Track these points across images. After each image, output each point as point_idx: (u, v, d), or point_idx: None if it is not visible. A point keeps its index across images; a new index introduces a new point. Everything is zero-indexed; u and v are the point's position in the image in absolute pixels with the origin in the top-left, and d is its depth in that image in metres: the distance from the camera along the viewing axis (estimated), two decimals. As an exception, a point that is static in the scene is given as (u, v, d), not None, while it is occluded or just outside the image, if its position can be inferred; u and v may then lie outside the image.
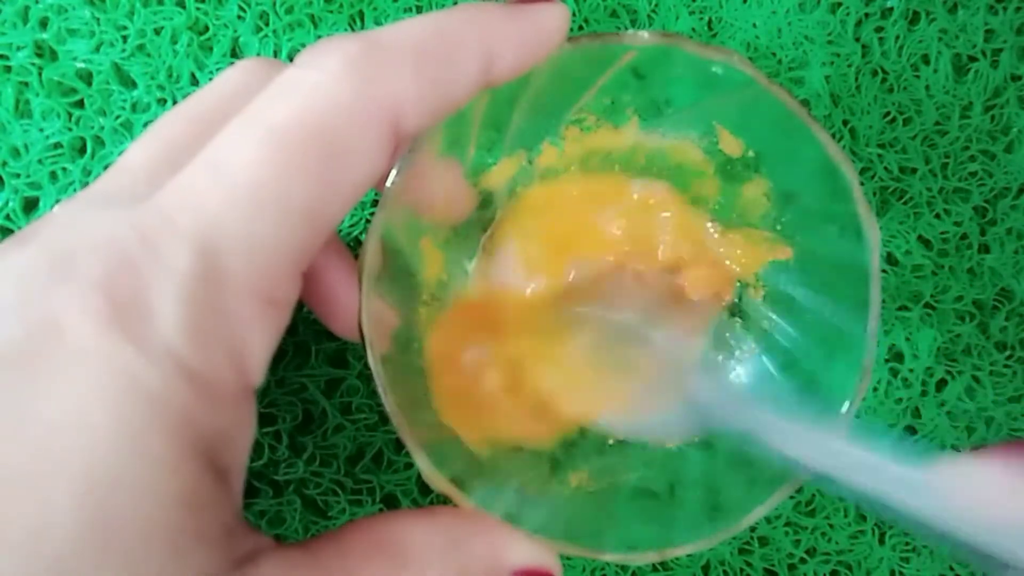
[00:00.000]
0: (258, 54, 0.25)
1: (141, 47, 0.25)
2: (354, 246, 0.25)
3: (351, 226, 0.25)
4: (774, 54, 0.26)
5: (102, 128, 0.25)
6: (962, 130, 0.26)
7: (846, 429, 0.17)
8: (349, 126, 0.14)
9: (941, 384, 0.26)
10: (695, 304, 0.24)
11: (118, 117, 0.25)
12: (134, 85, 0.25)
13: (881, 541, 0.26)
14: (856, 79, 0.26)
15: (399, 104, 0.15)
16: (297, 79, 0.15)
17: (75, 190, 0.25)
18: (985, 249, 0.27)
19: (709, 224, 0.24)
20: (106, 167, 0.24)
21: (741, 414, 0.18)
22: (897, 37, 0.26)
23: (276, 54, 0.25)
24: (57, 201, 0.24)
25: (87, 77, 0.25)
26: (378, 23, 0.25)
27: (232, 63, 0.22)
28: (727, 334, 0.24)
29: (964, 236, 0.26)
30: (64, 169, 0.24)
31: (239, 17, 0.25)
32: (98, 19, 0.25)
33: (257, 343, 0.14)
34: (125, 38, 0.25)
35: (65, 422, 0.12)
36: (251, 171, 0.14)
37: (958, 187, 0.27)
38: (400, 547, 0.16)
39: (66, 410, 0.12)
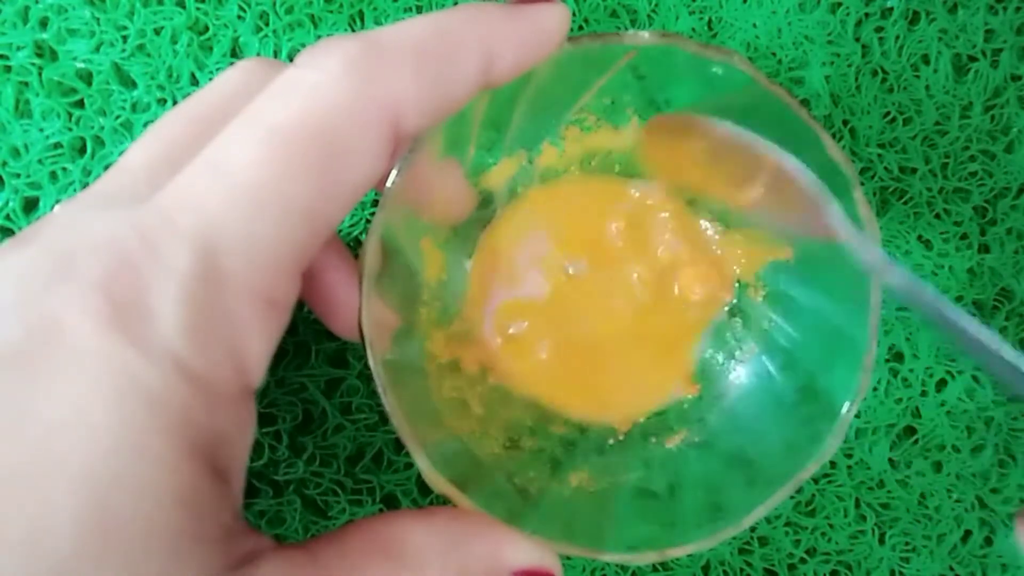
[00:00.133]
0: (258, 54, 0.25)
1: (141, 47, 0.25)
2: (354, 246, 0.25)
3: (351, 226, 0.25)
4: (774, 54, 0.26)
5: (102, 128, 0.25)
6: (962, 130, 0.26)
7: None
8: (349, 126, 0.14)
9: (941, 384, 0.26)
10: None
11: (118, 117, 0.25)
12: (134, 85, 0.25)
13: (881, 541, 0.26)
14: (856, 79, 0.26)
15: (399, 104, 0.15)
16: (297, 79, 0.15)
17: (75, 190, 0.24)
18: (985, 249, 0.27)
19: (709, 224, 0.24)
20: (106, 167, 0.24)
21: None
22: (897, 37, 0.26)
23: (276, 54, 0.25)
24: (57, 201, 0.24)
25: (87, 77, 0.25)
26: (378, 23, 0.25)
27: (232, 63, 0.22)
28: (727, 334, 0.24)
29: (964, 236, 0.26)
30: (64, 169, 0.24)
31: (239, 17, 0.25)
32: (98, 19, 0.25)
33: (257, 343, 0.14)
34: (125, 38, 0.25)
35: (65, 422, 0.12)
36: (251, 171, 0.14)
37: (958, 187, 0.26)
38: (400, 547, 0.16)
39: (66, 410, 0.12)
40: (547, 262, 0.24)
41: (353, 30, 0.25)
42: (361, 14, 0.25)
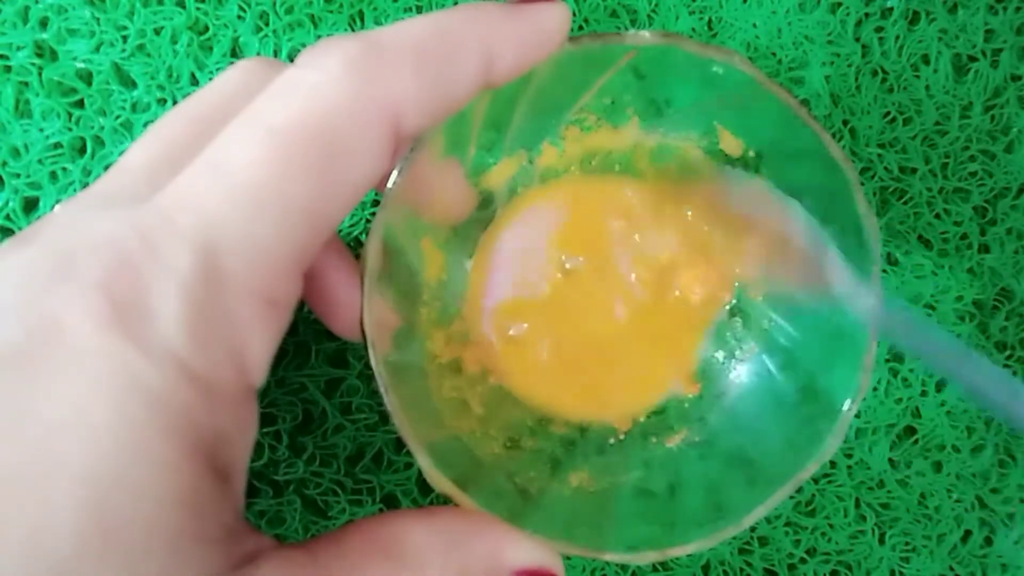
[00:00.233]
0: (258, 54, 0.25)
1: (141, 47, 0.25)
2: (354, 246, 0.25)
3: (351, 226, 0.25)
4: (774, 54, 0.26)
5: (102, 128, 0.25)
6: (962, 130, 0.26)
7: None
8: (349, 127, 0.14)
9: (941, 384, 0.26)
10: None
11: (118, 117, 0.25)
12: (134, 85, 0.25)
13: (881, 541, 0.26)
14: (856, 79, 0.26)
15: (399, 104, 0.15)
16: (297, 79, 0.15)
17: (75, 190, 0.24)
18: (985, 249, 0.27)
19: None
20: (106, 167, 0.24)
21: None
22: (897, 37, 0.26)
23: (276, 54, 0.25)
24: (57, 201, 0.24)
25: (87, 77, 0.25)
26: (378, 23, 0.25)
27: (232, 63, 0.22)
28: (727, 333, 0.24)
29: (964, 236, 0.26)
30: (64, 169, 0.24)
31: (239, 17, 0.25)
32: (98, 19, 0.25)
33: (258, 343, 0.14)
34: (125, 38, 0.25)
35: (65, 422, 0.12)
36: (251, 172, 0.14)
37: (958, 187, 0.27)
38: (400, 547, 0.16)
39: (66, 410, 0.12)
40: (547, 262, 0.24)
41: (353, 30, 0.25)
42: (361, 14, 0.25)
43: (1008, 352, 0.27)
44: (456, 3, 0.25)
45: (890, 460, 0.26)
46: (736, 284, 0.24)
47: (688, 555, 0.24)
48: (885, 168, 0.26)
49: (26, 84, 0.24)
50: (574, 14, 0.26)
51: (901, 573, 0.26)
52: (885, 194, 0.26)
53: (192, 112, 0.17)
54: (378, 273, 0.18)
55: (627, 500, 0.21)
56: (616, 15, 0.26)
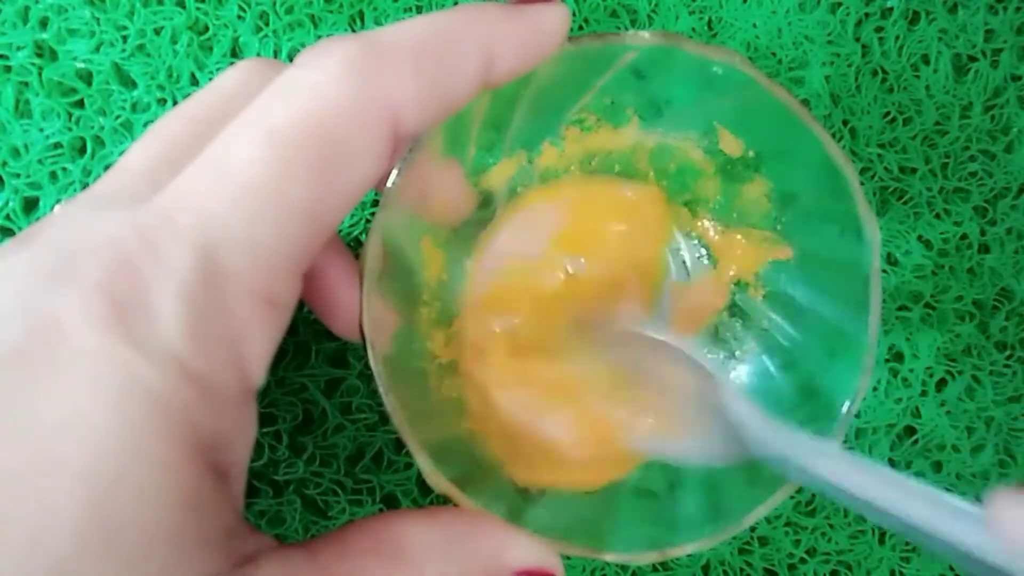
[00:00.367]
0: (258, 54, 0.25)
1: (141, 47, 0.25)
2: (354, 246, 0.25)
3: (351, 226, 0.25)
4: (774, 54, 0.26)
5: (102, 128, 0.25)
6: (962, 130, 0.26)
7: (886, 469, 0.16)
8: (349, 127, 0.14)
9: (941, 384, 0.26)
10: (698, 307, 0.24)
11: (118, 117, 0.25)
12: (134, 85, 0.25)
13: (881, 541, 0.26)
14: (856, 79, 0.26)
15: (399, 104, 0.15)
16: (297, 80, 0.15)
17: (75, 190, 0.24)
18: (985, 249, 0.27)
19: (709, 224, 0.24)
20: (106, 167, 0.24)
21: (776, 442, 0.18)
22: (897, 37, 0.26)
23: (276, 54, 0.25)
24: (57, 201, 0.24)
25: (87, 77, 0.25)
26: (378, 23, 0.25)
27: (232, 63, 0.22)
28: (727, 334, 0.24)
29: (964, 236, 0.26)
30: (64, 169, 0.24)
31: (239, 17, 0.25)
32: (98, 19, 0.25)
33: (258, 344, 0.14)
34: (125, 38, 0.25)
35: (66, 423, 0.12)
36: (251, 172, 0.14)
37: (958, 187, 0.27)
38: (400, 547, 0.16)
39: (67, 411, 0.12)
40: (546, 262, 0.24)
41: (353, 30, 0.25)
42: (361, 14, 0.25)
43: (1008, 352, 0.27)
44: (456, 3, 0.25)
45: (890, 460, 0.26)
46: (734, 285, 0.24)
47: (688, 555, 0.24)
48: (885, 168, 0.26)
49: (26, 84, 0.24)
50: (574, 14, 0.26)
51: (901, 573, 0.26)
52: (885, 194, 0.26)
53: (192, 112, 0.17)
54: (377, 273, 0.18)
55: (627, 500, 0.21)
56: (616, 15, 0.26)
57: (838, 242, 0.20)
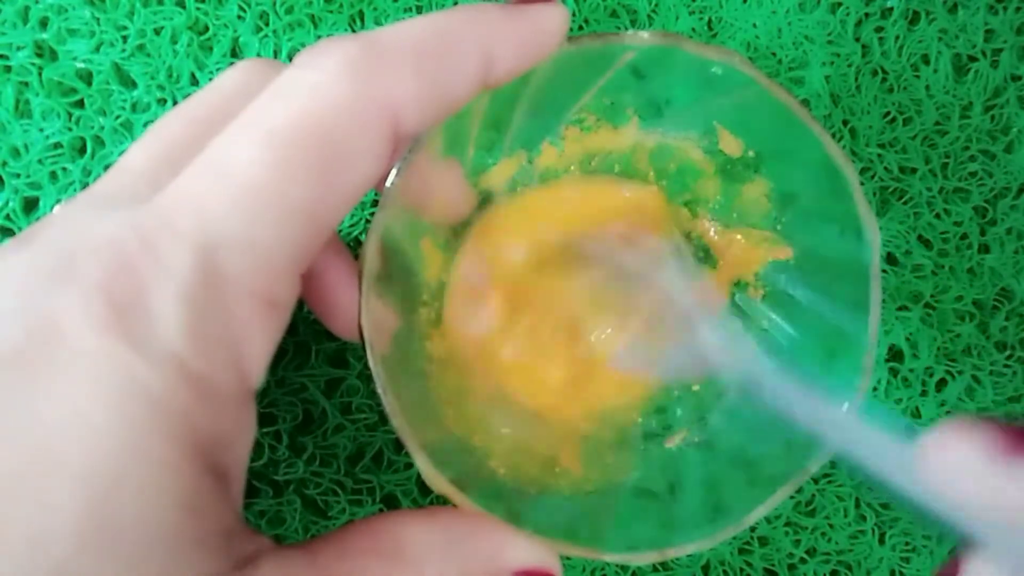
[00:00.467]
0: (258, 54, 0.25)
1: (141, 47, 0.25)
2: (354, 246, 0.25)
3: (351, 226, 0.25)
4: (774, 54, 0.26)
5: (102, 128, 0.25)
6: (962, 130, 0.26)
7: (845, 402, 0.17)
8: (348, 127, 0.14)
9: (941, 384, 0.26)
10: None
11: (118, 117, 0.25)
12: (134, 85, 0.25)
13: (881, 541, 0.26)
14: (856, 79, 0.26)
15: (399, 105, 0.15)
16: (296, 80, 0.15)
17: (75, 190, 0.25)
18: (985, 249, 0.27)
19: (708, 224, 0.24)
20: (106, 167, 0.24)
21: (745, 364, 0.18)
22: (897, 37, 0.26)
23: (276, 54, 0.25)
24: (57, 201, 0.24)
25: (87, 77, 0.25)
26: (378, 23, 0.25)
27: (232, 63, 0.22)
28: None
29: (964, 236, 0.26)
30: (64, 169, 0.24)
31: (239, 17, 0.25)
32: (98, 19, 0.25)
33: (257, 344, 0.14)
34: (125, 38, 0.25)
35: (66, 424, 0.12)
36: (251, 173, 0.14)
37: (958, 187, 0.26)
38: (399, 547, 0.16)
39: (66, 412, 0.12)
40: (545, 262, 0.24)
41: (353, 30, 0.25)
42: (361, 14, 0.25)
43: (1008, 352, 0.27)
44: (456, 3, 0.25)
45: (890, 460, 0.26)
46: (734, 285, 0.24)
47: (688, 555, 0.24)
48: (885, 168, 0.26)
49: (26, 84, 0.24)
50: (574, 14, 0.26)
51: (901, 573, 0.26)
52: (885, 194, 0.26)
53: (192, 113, 0.17)
54: (376, 273, 0.18)
55: (627, 500, 0.21)
56: (616, 15, 0.26)
57: (838, 242, 0.20)
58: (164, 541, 0.13)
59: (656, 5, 0.26)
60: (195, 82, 0.25)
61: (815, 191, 0.20)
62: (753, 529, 0.26)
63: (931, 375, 0.26)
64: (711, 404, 0.23)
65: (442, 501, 0.24)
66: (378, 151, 0.15)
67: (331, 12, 0.25)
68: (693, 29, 0.26)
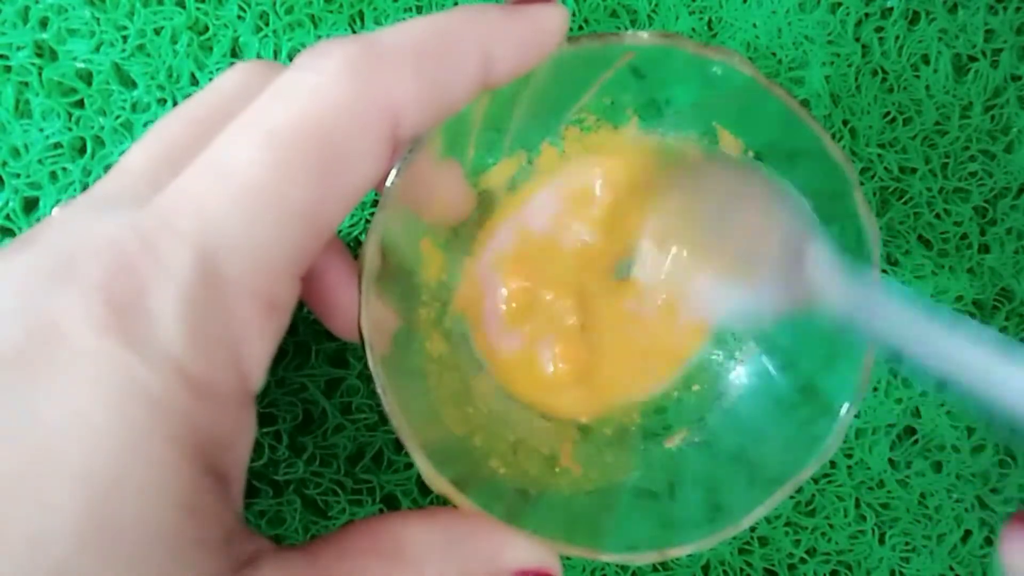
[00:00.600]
0: (258, 54, 0.25)
1: (141, 47, 0.25)
2: (354, 246, 0.25)
3: (351, 226, 0.25)
4: (774, 54, 0.26)
5: (102, 128, 0.25)
6: (962, 130, 0.26)
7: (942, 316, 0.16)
8: (348, 128, 0.14)
9: (941, 384, 0.26)
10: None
11: (118, 117, 0.25)
12: (134, 85, 0.25)
13: (881, 541, 0.26)
14: (856, 79, 0.26)
15: (398, 106, 0.15)
16: (296, 81, 0.15)
17: (75, 190, 0.25)
18: (985, 249, 0.27)
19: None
20: (106, 167, 0.24)
21: (851, 296, 0.17)
22: (897, 37, 0.26)
23: (276, 54, 0.25)
24: (57, 201, 0.24)
25: (87, 77, 0.25)
26: (378, 23, 0.25)
27: (232, 63, 0.22)
28: (727, 334, 0.24)
29: (964, 236, 0.26)
30: (64, 169, 0.24)
31: (239, 17, 0.25)
32: (98, 19, 0.25)
33: (257, 346, 0.14)
34: (125, 38, 0.25)
35: (65, 425, 0.12)
36: (251, 174, 0.14)
37: (958, 187, 0.26)
38: (399, 547, 0.16)
39: (66, 413, 0.12)
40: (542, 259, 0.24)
41: (353, 30, 0.25)
42: (361, 14, 0.25)
43: (1008, 352, 0.27)
44: (456, 4, 0.25)
45: (890, 460, 0.26)
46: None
47: (688, 555, 0.24)
48: (885, 168, 0.26)
49: (26, 84, 0.24)
50: (574, 14, 0.26)
51: (901, 573, 0.26)
52: (885, 194, 0.26)
53: (192, 113, 0.17)
54: (376, 274, 0.18)
55: (627, 500, 0.21)
56: (616, 15, 0.26)
57: (838, 242, 0.20)
58: (164, 542, 0.13)
59: (656, 5, 0.26)
60: (195, 82, 0.25)
61: (815, 191, 0.20)
62: (753, 529, 0.26)
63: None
64: (711, 404, 0.23)
65: (442, 501, 0.24)
66: (378, 152, 0.15)
67: (331, 12, 0.25)
68: (693, 29, 0.26)
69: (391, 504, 0.25)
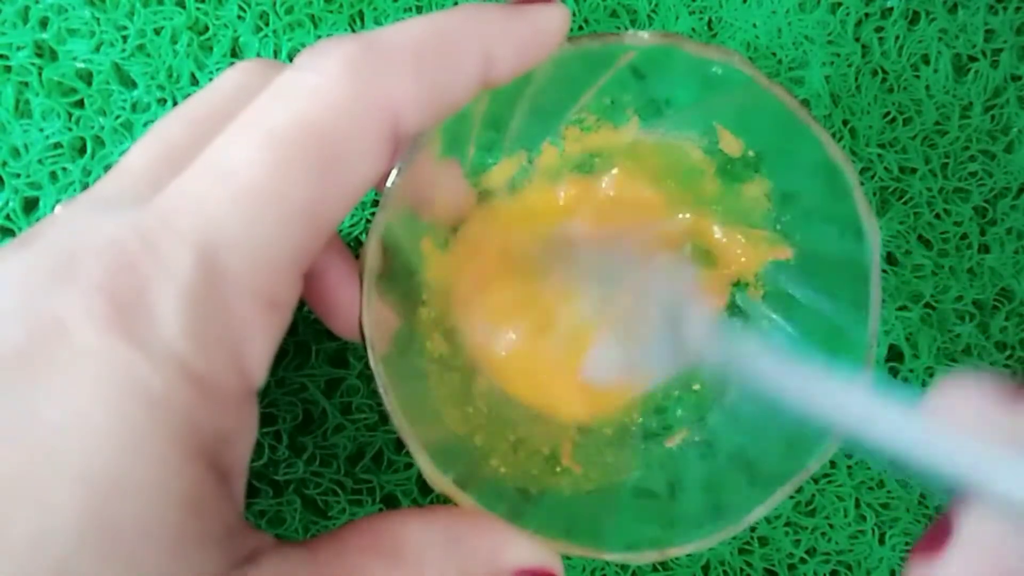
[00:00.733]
0: (258, 54, 0.25)
1: (141, 47, 0.25)
2: (354, 246, 0.25)
3: (351, 226, 0.25)
4: (774, 54, 0.26)
5: (102, 128, 0.25)
6: (962, 130, 0.26)
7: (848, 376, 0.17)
8: (348, 128, 0.14)
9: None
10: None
11: (118, 117, 0.25)
12: (134, 85, 0.25)
13: (881, 541, 0.26)
14: (856, 79, 0.26)
15: (399, 105, 0.15)
16: (296, 81, 0.15)
17: (75, 190, 0.25)
18: (985, 249, 0.27)
19: (708, 223, 0.24)
20: (106, 167, 0.24)
21: (742, 352, 0.18)
22: (897, 37, 0.26)
23: (276, 54, 0.25)
24: (57, 201, 0.24)
25: (87, 77, 0.25)
26: (378, 23, 0.25)
27: (232, 63, 0.22)
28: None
29: (964, 236, 0.26)
30: (64, 169, 0.24)
31: (239, 17, 0.25)
32: (98, 19, 0.25)
33: (258, 345, 0.14)
34: (125, 38, 0.25)
35: (67, 424, 0.12)
36: (251, 173, 0.14)
37: (958, 187, 0.27)
38: (399, 546, 0.16)
39: (68, 412, 0.12)
40: (543, 260, 0.24)
41: (353, 30, 0.25)
42: (361, 14, 0.25)
43: (1008, 352, 0.27)
44: (456, 3, 0.25)
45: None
46: (734, 285, 0.24)
47: (688, 555, 0.24)
48: (885, 168, 0.26)
49: (26, 84, 0.24)
50: (574, 14, 0.26)
51: (901, 573, 0.26)
52: (885, 194, 0.26)
53: (192, 113, 0.17)
54: (377, 273, 0.18)
55: (627, 500, 0.21)
56: (616, 15, 0.26)
57: (838, 242, 0.20)
58: (165, 540, 0.13)
59: (656, 5, 0.26)
60: (195, 82, 0.25)
61: (815, 191, 0.20)
62: (753, 529, 0.26)
63: (931, 375, 0.26)
64: (711, 404, 0.23)
65: (443, 500, 0.24)
66: (378, 151, 0.15)
67: (331, 12, 0.25)
68: (693, 29, 0.26)
69: (391, 504, 0.25)
